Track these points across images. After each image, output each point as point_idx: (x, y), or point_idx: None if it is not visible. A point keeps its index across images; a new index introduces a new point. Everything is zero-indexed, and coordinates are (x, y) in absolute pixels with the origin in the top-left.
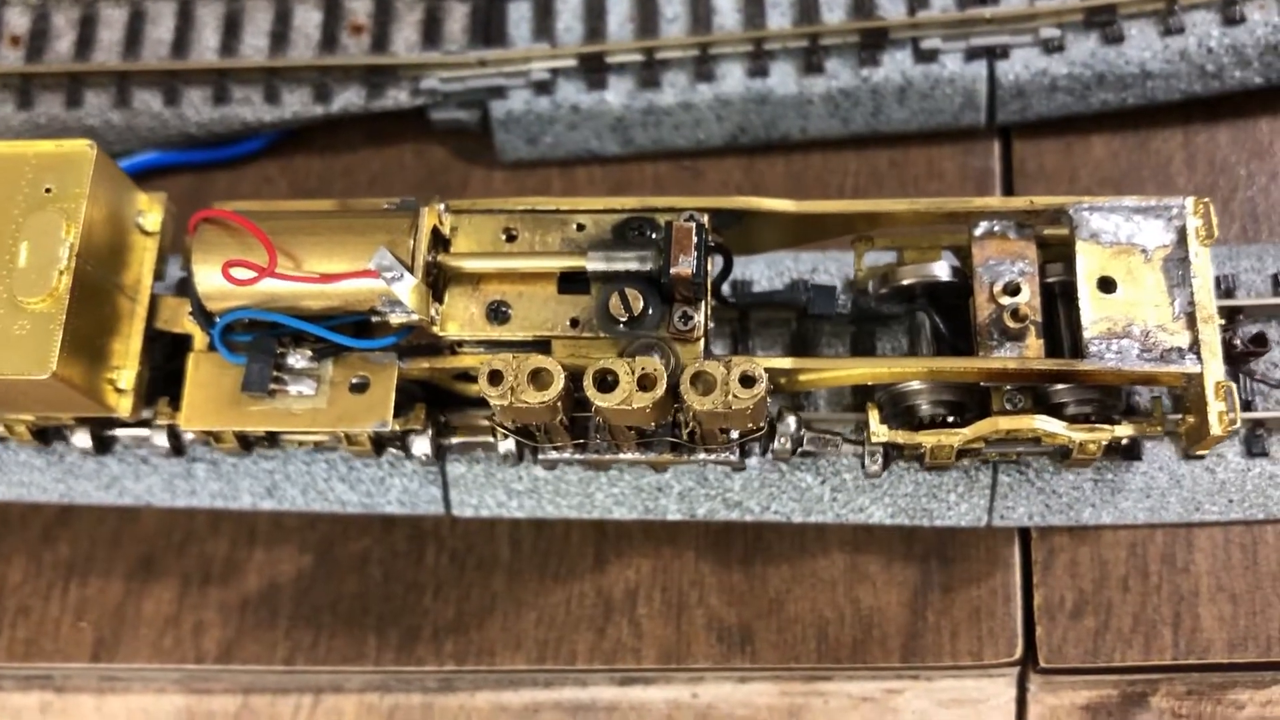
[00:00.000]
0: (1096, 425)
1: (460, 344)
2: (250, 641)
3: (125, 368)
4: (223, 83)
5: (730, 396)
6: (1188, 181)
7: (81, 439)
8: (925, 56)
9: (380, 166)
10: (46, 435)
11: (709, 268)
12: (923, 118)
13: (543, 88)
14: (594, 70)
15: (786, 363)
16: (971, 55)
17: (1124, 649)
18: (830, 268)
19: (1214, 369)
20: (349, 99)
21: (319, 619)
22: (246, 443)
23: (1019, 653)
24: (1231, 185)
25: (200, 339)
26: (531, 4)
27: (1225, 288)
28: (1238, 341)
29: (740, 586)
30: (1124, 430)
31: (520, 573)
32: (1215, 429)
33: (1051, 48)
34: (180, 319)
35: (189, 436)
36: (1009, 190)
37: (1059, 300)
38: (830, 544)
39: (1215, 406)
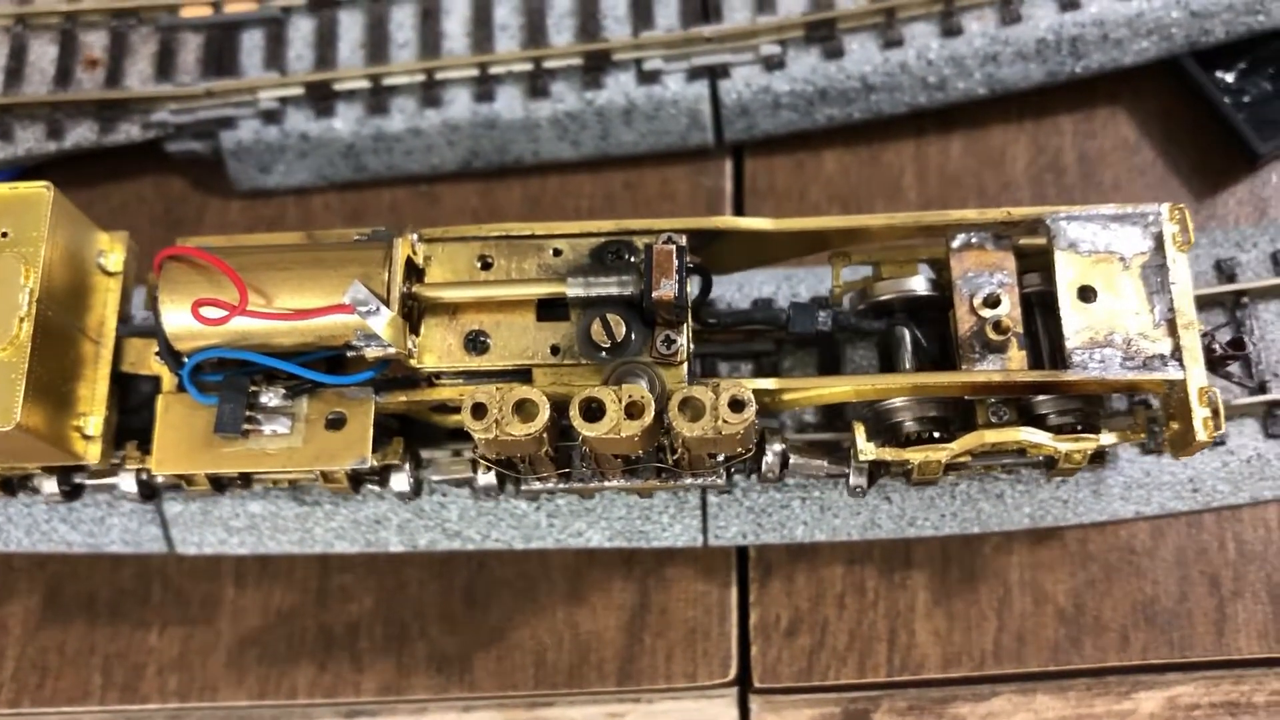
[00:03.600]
0: (1082, 435)
1: (438, 375)
2: None
3: (92, 413)
4: None
5: (720, 421)
6: (918, 194)
7: (50, 487)
8: (648, 78)
9: (120, 200)
10: (12, 486)
11: (689, 289)
12: (651, 139)
13: (271, 117)
14: (322, 98)
15: (771, 383)
16: (693, 75)
17: (839, 667)
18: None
19: (1196, 375)
20: (82, 134)
21: (46, 660)
22: (220, 485)
23: (733, 673)
24: (962, 197)
25: (169, 380)
26: (264, 33)
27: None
28: (1216, 346)
29: (461, 616)
30: (1108, 439)
31: (244, 609)
32: (1201, 435)
33: (773, 64)
34: (147, 360)
35: None
36: (739, 209)
37: (1037, 310)
38: (553, 569)
39: (1200, 412)
